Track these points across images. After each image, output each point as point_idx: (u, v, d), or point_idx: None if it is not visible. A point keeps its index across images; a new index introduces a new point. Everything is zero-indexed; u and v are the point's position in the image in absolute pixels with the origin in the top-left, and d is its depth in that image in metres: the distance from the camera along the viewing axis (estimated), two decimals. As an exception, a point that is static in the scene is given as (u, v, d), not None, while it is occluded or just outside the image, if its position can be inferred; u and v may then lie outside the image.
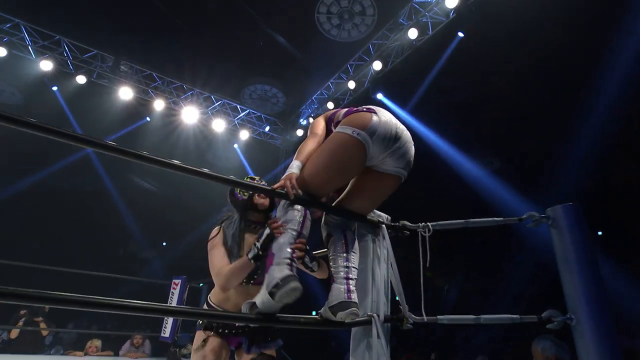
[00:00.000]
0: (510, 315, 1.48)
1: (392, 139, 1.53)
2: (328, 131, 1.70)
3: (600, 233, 7.81)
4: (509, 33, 5.75)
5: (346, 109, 1.71)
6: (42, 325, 4.44)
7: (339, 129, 1.54)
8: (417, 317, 1.66)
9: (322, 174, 1.50)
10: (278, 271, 1.30)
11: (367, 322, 1.56)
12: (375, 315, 1.58)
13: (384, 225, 1.77)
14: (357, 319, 1.49)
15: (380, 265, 1.73)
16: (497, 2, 5.41)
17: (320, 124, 1.72)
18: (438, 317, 1.64)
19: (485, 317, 1.53)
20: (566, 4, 5.08)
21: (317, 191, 1.52)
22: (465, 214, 1.99)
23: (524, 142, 7.12)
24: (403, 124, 1.66)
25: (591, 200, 6.40)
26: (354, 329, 1.63)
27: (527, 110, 6.80)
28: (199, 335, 1.80)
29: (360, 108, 1.61)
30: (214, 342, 1.77)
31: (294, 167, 1.51)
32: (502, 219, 1.69)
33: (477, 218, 1.71)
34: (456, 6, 5.66)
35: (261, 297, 1.31)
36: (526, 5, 5.34)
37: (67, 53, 7.03)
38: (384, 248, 1.75)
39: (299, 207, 1.44)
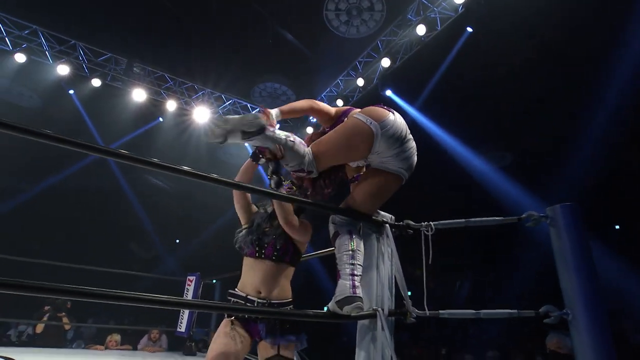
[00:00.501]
0: (508, 310, 1.55)
1: (398, 140, 1.64)
2: (337, 120, 1.85)
3: (617, 227, 7.67)
4: (518, 27, 5.69)
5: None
6: (65, 320, 4.64)
7: (355, 115, 1.68)
8: (420, 312, 1.74)
9: (330, 148, 1.67)
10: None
11: (372, 316, 1.64)
12: (380, 309, 1.67)
13: (387, 225, 1.85)
14: (363, 313, 1.59)
15: (384, 263, 1.81)
16: (505, -5, 5.36)
17: (325, 105, 1.91)
18: (440, 311, 1.72)
19: (485, 312, 1.61)
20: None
21: (319, 161, 1.66)
22: (472, 209, 2.04)
23: (535, 136, 7.04)
24: (411, 127, 1.77)
25: (606, 195, 6.31)
26: (360, 322, 1.71)
27: (538, 105, 6.71)
28: (225, 322, 1.87)
29: (380, 104, 1.75)
30: (235, 326, 1.85)
31: (272, 112, 1.72)
32: (501, 218, 1.75)
33: (486, 213, 1.78)
34: (465, 1, 5.63)
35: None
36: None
37: (82, 57, 7.23)
38: (387, 246, 1.83)
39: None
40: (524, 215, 1.64)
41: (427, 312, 1.73)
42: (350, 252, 1.60)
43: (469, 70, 6.51)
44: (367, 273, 1.75)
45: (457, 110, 7.24)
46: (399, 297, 1.82)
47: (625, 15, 5.04)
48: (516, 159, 7.60)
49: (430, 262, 1.81)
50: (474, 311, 1.65)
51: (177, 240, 12.77)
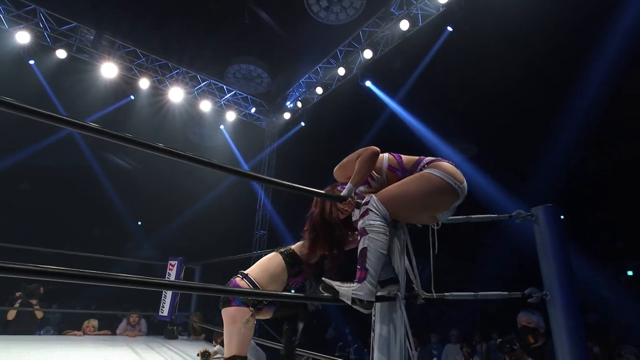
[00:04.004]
0: (500, 292, 1.81)
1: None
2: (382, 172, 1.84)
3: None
4: (497, 29, 6.01)
5: (424, 159, 1.80)
6: (37, 306, 4.45)
7: (436, 172, 1.67)
8: (428, 294, 1.95)
9: (408, 204, 1.68)
10: (369, 292, 1.58)
11: (392, 299, 1.86)
12: (398, 293, 1.88)
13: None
14: (387, 296, 1.83)
15: (400, 253, 2.01)
16: (487, -1, 5.64)
17: (377, 160, 1.79)
18: (445, 294, 1.95)
19: (482, 294, 1.86)
20: (552, 6, 5.40)
21: (397, 216, 1.70)
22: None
23: (508, 136, 7.54)
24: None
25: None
26: (379, 304, 1.90)
27: (513, 106, 7.15)
28: (244, 311, 2.01)
29: (444, 160, 1.78)
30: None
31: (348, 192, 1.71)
32: (496, 215, 2.02)
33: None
34: (447, 1, 5.83)
35: (345, 292, 1.59)
36: (515, 3, 5.59)
37: (43, 24, 6.66)
38: (403, 240, 2.02)
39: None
40: (513, 213, 1.89)
41: (434, 295, 1.95)
42: (386, 252, 1.70)
43: (448, 67, 6.79)
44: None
45: (436, 105, 7.55)
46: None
47: (600, 26, 5.48)
48: (487, 155, 8.10)
49: (436, 252, 2.05)
50: (473, 293, 1.89)
51: (139, 223, 12.37)
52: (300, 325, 2.30)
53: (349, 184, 1.72)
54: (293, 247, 2.20)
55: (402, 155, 1.86)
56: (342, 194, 1.71)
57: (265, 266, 2.14)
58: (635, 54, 5.37)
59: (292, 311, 2.26)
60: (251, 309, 2.03)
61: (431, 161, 1.77)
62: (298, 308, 2.27)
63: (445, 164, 1.73)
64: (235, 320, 1.98)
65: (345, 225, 1.99)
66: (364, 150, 1.77)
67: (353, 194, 1.74)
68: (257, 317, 2.18)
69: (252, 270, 2.13)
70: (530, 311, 2.83)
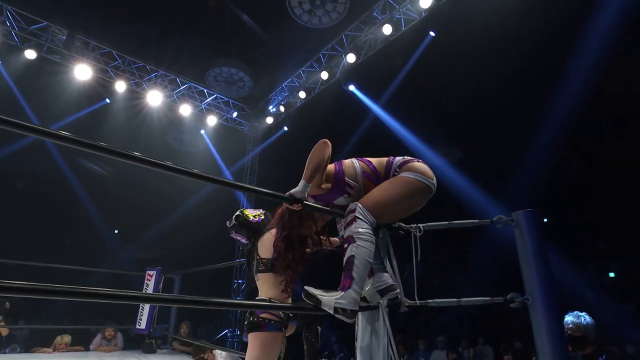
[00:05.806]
0: (483, 298, 1.80)
1: None
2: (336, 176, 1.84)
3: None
4: (478, 36, 6.07)
5: (393, 161, 1.85)
6: (2, 322, 4.14)
7: (411, 175, 1.77)
8: (411, 301, 1.89)
9: (392, 209, 1.76)
10: (352, 301, 1.57)
11: (375, 307, 1.83)
12: (381, 301, 1.83)
13: (384, 227, 1.98)
14: (370, 305, 1.81)
15: (384, 261, 1.95)
16: (468, 5, 5.69)
17: (328, 152, 1.77)
18: (428, 300, 1.89)
19: (465, 300, 1.83)
20: (535, 6, 5.49)
21: (382, 220, 1.77)
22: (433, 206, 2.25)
23: (488, 140, 7.62)
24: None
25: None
26: (361, 313, 1.86)
27: (494, 110, 7.26)
28: (276, 337, 1.90)
29: (413, 159, 1.86)
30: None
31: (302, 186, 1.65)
32: (478, 220, 1.99)
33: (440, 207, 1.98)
34: (429, 6, 5.85)
35: (327, 301, 1.56)
36: (496, 10, 5.67)
37: (11, 23, 6.32)
38: (386, 247, 1.98)
39: None
40: (495, 218, 1.87)
41: (417, 302, 1.89)
42: (372, 260, 1.73)
43: (431, 71, 6.81)
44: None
45: (419, 109, 7.57)
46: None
47: (579, 29, 5.61)
48: (470, 158, 8.17)
49: (419, 258, 1.98)
50: (456, 299, 1.85)
51: (116, 231, 11.88)
52: (320, 328, 2.22)
53: (301, 180, 1.64)
54: (262, 255, 2.07)
55: (371, 161, 1.89)
56: (295, 190, 1.61)
57: (270, 285, 2.03)
58: (615, 54, 5.53)
59: (309, 319, 2.16)
60: (284, 331, 1.95)
61: (402, 163, 1.83)
62: (314, 314, 2.16)
63: (417, 165, 1.82)
64: (265, 346, 1.87)
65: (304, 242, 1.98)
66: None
67: (307, 195, 1.68)
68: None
69: (267, 294, 2.02)
70: (576, 315, 2.60)
